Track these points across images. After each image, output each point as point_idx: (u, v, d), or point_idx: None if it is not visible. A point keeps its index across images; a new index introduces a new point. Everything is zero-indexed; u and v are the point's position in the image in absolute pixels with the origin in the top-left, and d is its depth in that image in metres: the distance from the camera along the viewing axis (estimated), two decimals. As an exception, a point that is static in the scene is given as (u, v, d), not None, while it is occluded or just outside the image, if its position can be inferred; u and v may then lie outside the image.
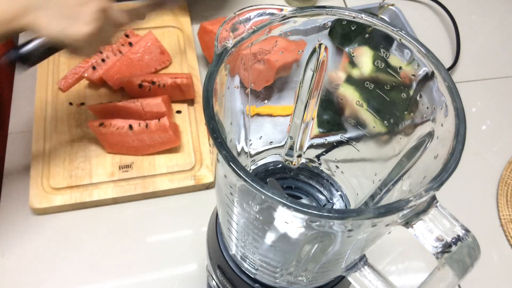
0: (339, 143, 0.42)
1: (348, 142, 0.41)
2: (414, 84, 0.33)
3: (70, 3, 0.47)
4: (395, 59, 0.33)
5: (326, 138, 0.43)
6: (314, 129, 0.43)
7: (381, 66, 0.34)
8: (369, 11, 0.87)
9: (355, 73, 0.37)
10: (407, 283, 0.60)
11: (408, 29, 0.83)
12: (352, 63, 0.37)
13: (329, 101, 0.40)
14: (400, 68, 0.33)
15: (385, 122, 0.37)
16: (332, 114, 0.41)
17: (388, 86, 0.35)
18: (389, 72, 0.34)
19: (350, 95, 0.39)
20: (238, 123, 0.39)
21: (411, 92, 0.33)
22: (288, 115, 0.43)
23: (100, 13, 0.49)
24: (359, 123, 0.39)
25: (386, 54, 0.33)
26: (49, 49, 0.49)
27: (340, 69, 0.38)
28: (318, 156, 0.44)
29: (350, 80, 0.38)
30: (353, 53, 0.36)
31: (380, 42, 0.33)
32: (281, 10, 0.33)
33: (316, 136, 0.43)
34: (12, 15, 0.43)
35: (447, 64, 0.81)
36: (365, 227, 0.27)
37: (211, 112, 0.27)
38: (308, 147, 0.44)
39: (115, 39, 0.54)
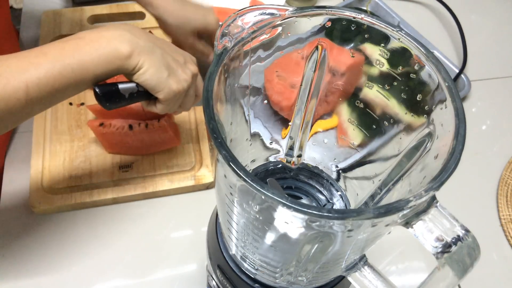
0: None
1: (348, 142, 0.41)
2: (414, 84, 0.33)
3: (172, 58, 0.50)
4: (394, 58, 0.33)
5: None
6: (314, 129, 0.43)
7: (381, 66, 0.34)
8: (354, 6, 0.88)
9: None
10: (407, 283, 0.60)
11: (397, 18, 0.85)
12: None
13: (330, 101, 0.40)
14: (400, 67, 0.33)
15: (385, 122, 0.37)
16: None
17: (388, 86, 0.35)
18: (388, 72, 0.34)
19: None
20: (238, 123, 0.39)
21: (411, 92, 0.33)
22: (288, 116, 0.43)
23: (193, 77, 0.52)
24: (359, 123, 0.39)
25: (386, 54, 0.33)
26: (137, 95, 0.50)
27: (340, 69, 0.38)
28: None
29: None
30: (352, 53, 0.36)
31: (380, 41, 0.33)
32: (281, 10, 0.33)
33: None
34: (129, 52, 0.45)
35: (455, 64, 0.81)
36: (365, 227, 0.27)
37: (211, 112, 0.27)
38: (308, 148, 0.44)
39: (191, 107, 0.56)
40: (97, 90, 0.48)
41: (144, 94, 0.50)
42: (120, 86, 0.49)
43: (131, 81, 0.48)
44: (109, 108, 0.50)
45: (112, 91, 0.49)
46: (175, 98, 0.50)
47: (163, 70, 0.48)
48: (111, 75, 0.46)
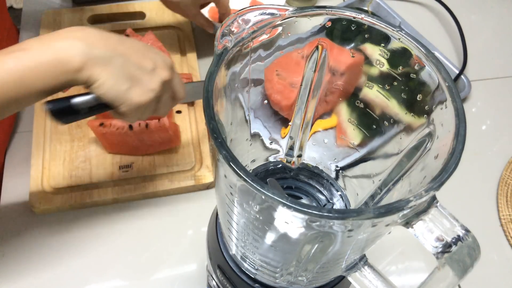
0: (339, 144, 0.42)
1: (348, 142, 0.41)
2: (414, 84, 0.33)
3: (138, 67, 0.44)
4: (395, 58, 0.33)
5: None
6: (314, 129, 0.43)
7: (381, 66, 0.34)
8: (355, 6, 0.88)
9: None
10: (407, 283, 0.60)
11: (398, 19, 0.85)
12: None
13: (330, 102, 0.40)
14: (400, 67, 0.33)
15: (385, 122, 0.37)
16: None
17: (388, 86, 0.35)
18: (388, 71, 0.34)
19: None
20: (238, 123, 0.39)
21: (411, 92, 0.33)
22: (288, 116, 0.43)
23: (165, 84, 0.46)
24: (359, 123, 0.39)
25: (386, 54, 0.33)
26: (97, 108, 0.44)
27: (340, 69, 0.38)
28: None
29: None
30: (352, 53, 0.36)
31: (380, 41, 0.33)
32: (281, 10, 0.33)
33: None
34: (81, 65, 0.40)
35: (455, 65, 0.81)
36: (365, 227, 0.27)
37: (211, 112, 0.27)
38: (308, 148, 0.44)
39: (168, 112, 0.51)
40: (46, 107, 0.43)
41: (106, 105, 0.44)
42: (74, 100, 0.43)
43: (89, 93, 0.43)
44: (66, 123, 0.45)
45: (64, 108, 0.43)
46: (140, 109, 0.45)
47: (122, 82, 0.42)
48: (60, 89, 0.42)
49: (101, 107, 0.44)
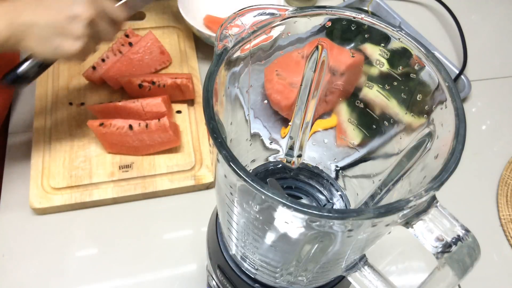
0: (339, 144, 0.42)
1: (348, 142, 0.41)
2: (414, 84, 0.33)
3: (58, 22, 0.47)
4: (395, 58, 0.33)
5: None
6: (313, 128, 0.43)
7: (381, 66, 0.34)
8: (355, 6, 0.88)
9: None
10: (407, 283, 0.60)
11: (398, 19, 0.86)
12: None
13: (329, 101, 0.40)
14: (400, 67, 0.33)
15: (385, 122, 0.37)
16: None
17: (388, 86, 0.35)
18: (388, 71, 0.34)
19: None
20: (238, 123, 0.39)
21: (411, 92, 0.33)
22: (288, 116, 0.43)
23: (91, 23, 0.49)
24: (359, 123, 0.39)
25: (386, 54, 0.33)
26: (44, 65, 0.52)
27: (340, 69, 0.38)
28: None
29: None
30: (352, 53, 0.36)
31: (380, 41, 0.33)
32: (281, 10, 0.33)
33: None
34: (6, 37, 0.45)
35: (455, 65, 0.81)
36: (365, 227, 0.27)
37: (211, 112, 0.27)
38: (308, 148, 0.44)
39: (114, 36, 0.55)
40: (4, 82, 0.50)
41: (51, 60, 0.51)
42: (20, 70, 0.50)
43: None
44: (27, 84, 0.53)
45: (15, 78, 0.51)
46: (81, 52, 0.49)
47: (52, 42, 0.47)
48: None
49: (47, 63, 0.51)
